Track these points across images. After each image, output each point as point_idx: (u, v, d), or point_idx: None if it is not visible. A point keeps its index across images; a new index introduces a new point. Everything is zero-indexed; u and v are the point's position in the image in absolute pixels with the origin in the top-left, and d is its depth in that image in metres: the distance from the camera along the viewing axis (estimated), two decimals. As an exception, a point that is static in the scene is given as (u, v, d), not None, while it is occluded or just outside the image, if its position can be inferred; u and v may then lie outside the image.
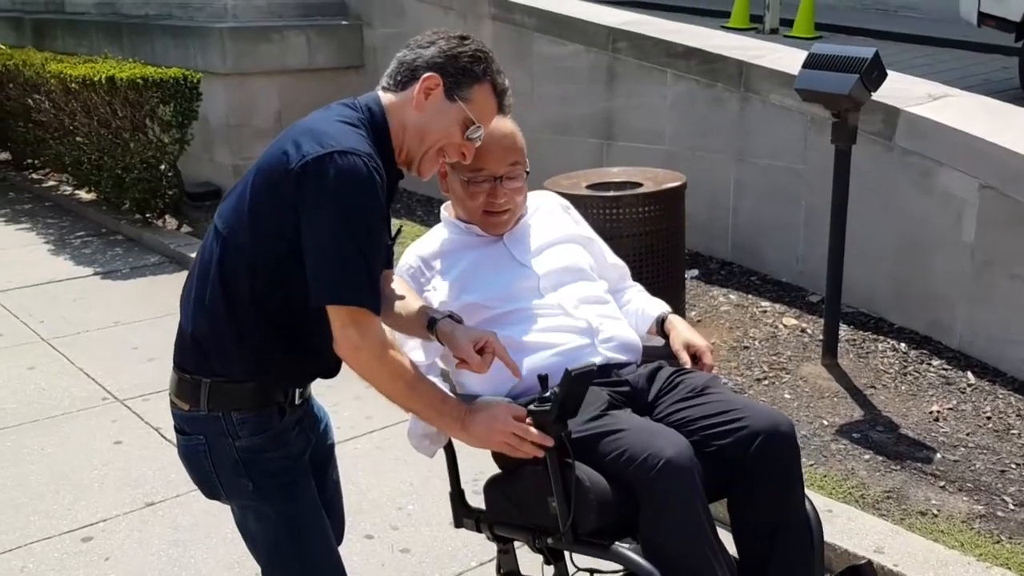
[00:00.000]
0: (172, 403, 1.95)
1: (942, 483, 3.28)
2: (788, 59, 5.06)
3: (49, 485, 3.59)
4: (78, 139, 7.36)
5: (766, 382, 4.03)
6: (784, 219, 4.95)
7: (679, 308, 4.45)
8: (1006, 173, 3.87)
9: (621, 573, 2.03)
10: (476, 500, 2.27)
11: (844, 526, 3.04)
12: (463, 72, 1.88)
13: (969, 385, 3.90)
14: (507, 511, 2.10)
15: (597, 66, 5.83)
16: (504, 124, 2.17)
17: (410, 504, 3.36)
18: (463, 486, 2.30)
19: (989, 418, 3.67)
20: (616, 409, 2.02)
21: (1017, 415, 3.67)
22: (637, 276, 4.13)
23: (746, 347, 4.35)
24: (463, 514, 2.26)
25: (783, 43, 6.75)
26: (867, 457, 3.46)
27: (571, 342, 2.14)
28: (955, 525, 3.05)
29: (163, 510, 3.40)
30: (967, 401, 3.79)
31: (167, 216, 7.13)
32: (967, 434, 3.57)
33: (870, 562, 2.31)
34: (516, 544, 2.27)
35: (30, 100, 7.80)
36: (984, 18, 8.18)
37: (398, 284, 2.09)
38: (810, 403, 3.85)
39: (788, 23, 8.45)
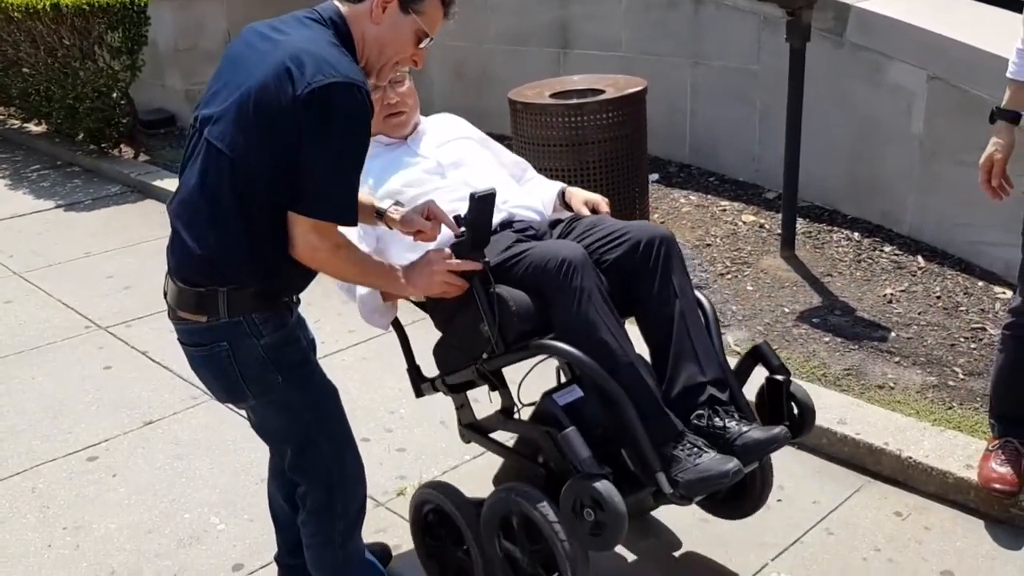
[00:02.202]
0: (181, 319, 2.02)
1: (897, 359, 3.52)
2: (740, -40, 5.12)
3: (47, 411, 3.69)
4: (24, 70, 7.21)
5: (729, 276, 4.23)
6: (739, 120, 5.09)
7: (643, 211, 4.60)
8: (953, 64, 4.03)
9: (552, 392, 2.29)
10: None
11: (808, 403, 3.27)
12: None
13: (919, 268, 4.14)
14: (452, 359, 2.36)
15: (550, -26, 5.84)
16: None
17: (401, 408, 3.53)
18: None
19: (939, 297, 3.91)
20: (523, 243, 2.31)
21: (964, 293, 3.91)
22: (603, 182, 4.31)
23: (708, 244, 4.53)
24: (420, 382, 2.53)
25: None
26: (827, 339, 3.68)
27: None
28: (910, 396, 3.29)
29: (162, 427, 3.52)
30: (918, 283, 4.03)
31: (122, 145, 7.06)
32: (919, 313, 3.81)
33: (766, 341, 2.49)
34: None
35: (-32, 32, 7.58)
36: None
37: None
38: (771, 293, 4.06)
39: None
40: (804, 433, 2.27)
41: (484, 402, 2.50)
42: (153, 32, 6.67)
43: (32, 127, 7.90)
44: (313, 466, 2.14)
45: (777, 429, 2.15)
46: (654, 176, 5.25)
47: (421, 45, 2.03)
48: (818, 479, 3.02)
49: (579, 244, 2.25)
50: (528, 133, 4.40)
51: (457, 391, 2.43)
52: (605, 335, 2.11)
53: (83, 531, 2.96)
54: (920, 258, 4.21)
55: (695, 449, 2.08)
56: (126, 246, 5.30)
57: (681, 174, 5.35)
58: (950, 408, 3.21)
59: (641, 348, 2.28)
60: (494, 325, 2.14)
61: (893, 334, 3.68)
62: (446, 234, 2.22)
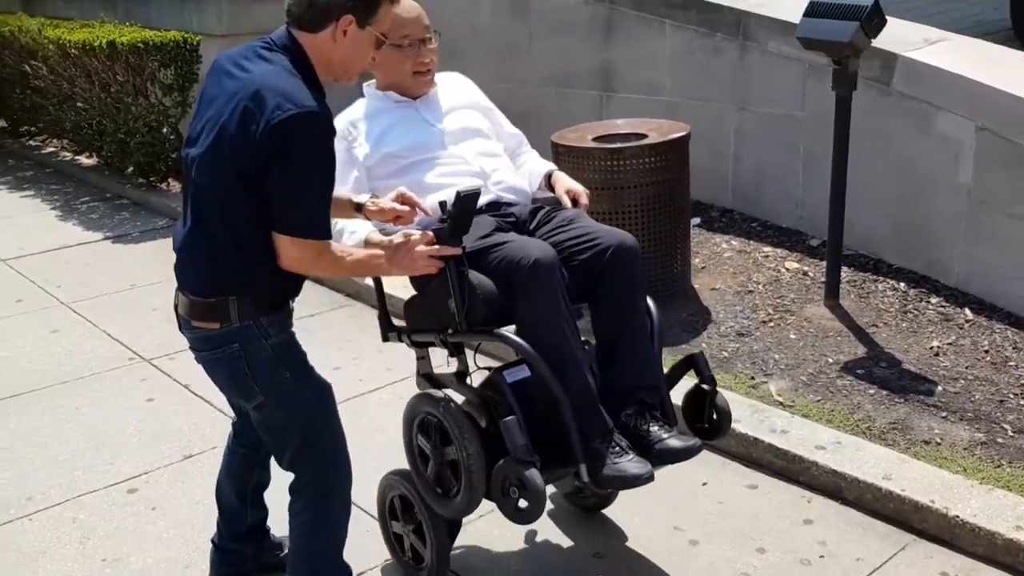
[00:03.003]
0: (195, 328, 2.25)
1: (944, 414, 3.45)
2: (785, 7, 5.13)
3: (89, 442, 3.74)
4: (78, 104, 7.40)
5: (771, 324, 4.19)
6: (783, 166, 5.07)
7: (684, 255, 4.58)
8: (1002, 115, 3.99)
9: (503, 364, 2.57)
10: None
11: (852, 455, 3.21)
12: (368, 4, 2.18)
13: (967, 321, 4.07)
14: (419, 319, 2.62)
15: (595, 18, 5.89)
16: (412, 2, 2.68)
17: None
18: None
19: (987, 351, 3.83)
20: (502, 232, 2.51)
21: (1014, 348, 3.84)
22: (642, 226, 4.31)
23: (750, 291, 4.50)
24: (388, 330, 2.75)
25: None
26: (872, 392, 3.62)
27: (467, 183, 2.57)
28: (958, 452, 3.22)
29: (201, 461, 3.55)
30: (965, 336, 3.96)
31: (170, 179, 7.20)
32: (966, 367, 3.73)
33: (702, 352, 2.65)
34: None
35: (27, 66, 7.80)
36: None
37: None
38: (815, 343, 4.01)
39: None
40: (720, 436, 2.60)
41: (440, 358, 2.71)
42: (203, 70, 6.82)
43: (83, 159, 8.08)
44: (316, 451, 2.36)
45: (692, 441, 2.41)
46: (696, 220, 5.24)
47: (380, 46, 2.27)
48: (862, 535, 2.96)
49: (551, 243, 2.46)
50: (570, 176, 4.40)
51: (419, 347, 2.68)
52: (559, 338, 2.34)
53: (121, 563, 2.98)
54: (968, 310, 4.13)
55: (617, 449, 2.34)
56: (171, 279, 5.34)
57: (723, 219, 5.33)
58: (999, 466, 3.13)
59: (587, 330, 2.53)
60: (462, 308, 2.38)
61: (940, 388, 3.61)
62: (423, 218, 2.48)
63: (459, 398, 2.59)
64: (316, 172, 2.09)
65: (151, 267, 5.65)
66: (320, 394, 2.37)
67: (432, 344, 2.60)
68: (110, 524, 3.19)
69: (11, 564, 3.01)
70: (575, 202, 2.69)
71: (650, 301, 2.56)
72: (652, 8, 5.56)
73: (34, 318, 5.00)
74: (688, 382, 2.62)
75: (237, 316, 2.20)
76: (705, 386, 2.55)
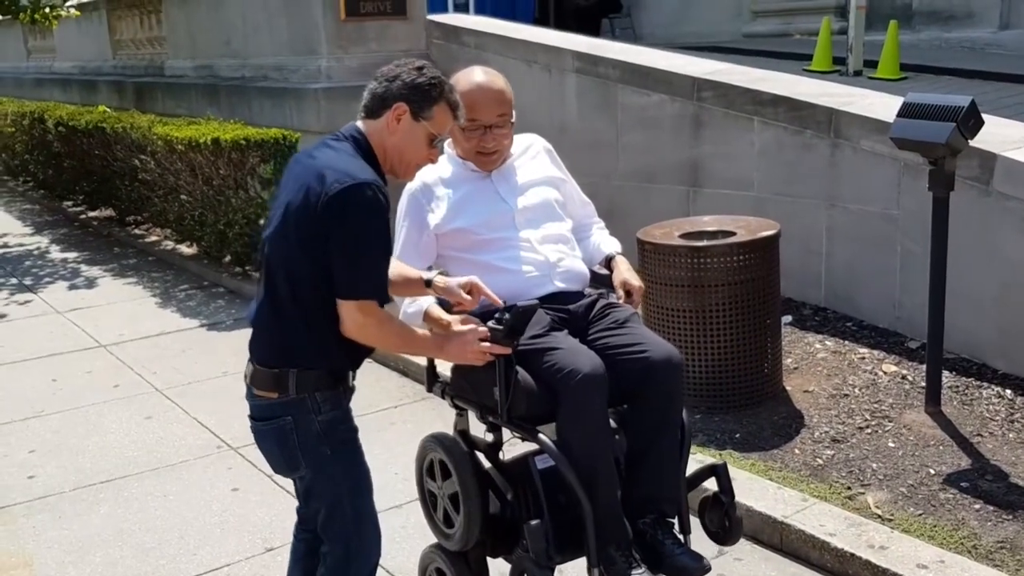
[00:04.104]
0: (257, 396, 2.38)
1: (1059, 533, 3.23)
2: (878, 105, 5.08)
3: (174, 530, 3.78)
4: (182, 196, 7.74)
5: (868, 431, 4.02)
6: (879, 265, 4.94)
7: (775, 354, 4.46)
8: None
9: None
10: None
11: (958, 576, 3.02)
12: (423, 98, 2.34)
13: (1081, 432, 3.83)
14: (465, 389, 2.69)
15: (682, 115, 5.93)
16: (495, 81, 2.72)
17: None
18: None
19: (1104, 466, 3.59)
20: (556, 330, 2.57)
21: None
22: (729, 324, 4.22)
23: (846, 395, 4.34)
24: (433, 381, 2.84)
25: (869, 85, 6.77)
26: (977, 507, 3.42)
27: (532, 271, 2.70)
28: (1075, 577, 2.99)
29: (282, 555, 3.52)
30: (1080, 449, 3.72)
31: (265, 268, 7.41)
32: (1082, 483, 3.50)
33: (724, 464, 2.66)
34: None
35: (136, 160, 8.23)
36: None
37: (392, 263, 2.55)
38: (915, 452, 3.82)
39: (872, 64, 8.38)
40: (730, 543, 2.71)
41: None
42: (301, 164, 7.06)
43: (184, 248, 8.40)
44: (338, 526, 2.47)
45: (703, 561, 2.47)
46: (787, 318, 5.12)
47: (434, 144, 2.39)
48: (972, 666, 2.75)
49: (600, 345, 2.54)
50: (655, 272, 4.37)
51: (457, 408, 2.77)
52: (595, 453, 2.42)
53: (199, 660, 2.97)
54: (1081, 421, 3.90)
55: (632, 560, 2.42)
56: (261, 367, 5.48)
57: (816, 317, 5.20)
58: (1124, 595, 2.89)
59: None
60: (505, 402, 2.47)
61: (1053, 505, 3.38)
62: (484, 302, 2.56)
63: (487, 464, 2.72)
64: (372, 238, 2.24)
65: (242, 355, 5.67)
66: (356, 478, 2.47)
67: (471, 411, 2.71)
68: (190, 617, 3.19)
69: (92, 655, 3.02)
70: (628, 294, 2.74)
71: (684, 415, 2.63)
72: (740, 105, 5.57)
73: (129, 404, 5.14)
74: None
75: (295, 388, 2.33)
76: (723, 497, 2.61)
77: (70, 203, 10.92)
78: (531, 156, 2.90)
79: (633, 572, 2.40)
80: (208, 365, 5.66)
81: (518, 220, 2.75)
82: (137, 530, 3.80)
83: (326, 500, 2.47)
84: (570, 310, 2.68)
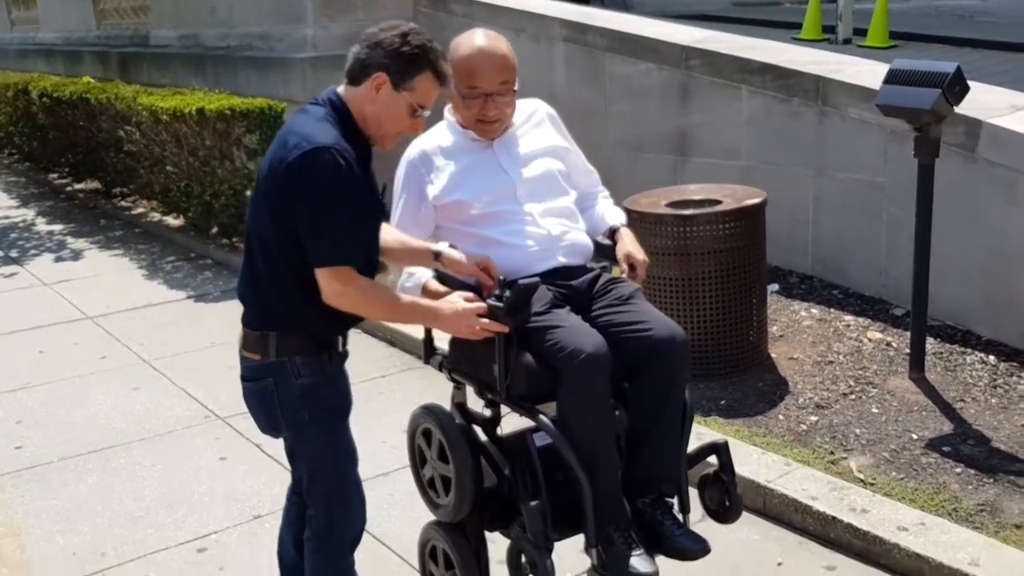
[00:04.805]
0: (244, 357, 2.42)
1: (1038, 496, 3.27)
2: (866, 73, 5.07)
3: (162, 500, 3.79)
4: (168, 168, 7.69)
5: (852, 396, 4.05)
6: (865, 232, 4.95)
7: (761, 322, 4.48)
8: (1096, 183, 3.84)
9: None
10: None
11: (937, 539, 3.05)
12: (405, 68, 2.26)
13: (1062, 397, 3.87)
14: (463, 363, 2.61)
15: (670, 84, 5.90)
16: (498, 45, 2.56)
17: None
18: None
19: (1085, 430, 3.63)
20: (558, 307, 2.47)
21: (1114, 427, 3.63)
22: (715, 293, 4.23)
23: (831, 362, 4.36)
24: (430, 353, 2.76)
25: (858, 54, 6.74)
26: (959, 471, 3.45)
27: (534, 245, 2.59)
28: (1054, 538, 3.04)
29: (270, 522, 3.55)
30: (1061, 413, 3.76)
31: (252, 240, 7.38)
32: (1062, 447, 3.54)
33: (726, 442, 2.61)
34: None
35: (121, 132, 8.16)
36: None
37: (392, 232, 2.55)
38: (898, 417, 3.85)
39: (861, 32, 8.34)
40: (730, 521, 2.62)
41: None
42: (287, 134, 7.02)
43: (170, 220, 8.35)
44: (320, 491, 2.49)
45: (702, 543, 2.42)
46: (774, 286, 5.13)
47: (416, 115, 2.31)
48: (950, 626, 2.79)
49: (603, 323, 2.46)
50: (641, 241, 4.33)
51: (455, 382, 2.70)
52: (595, 433, 2.37)
53: (187, 626, 2.99)
54: (1063, 386, 3.94)
55: (631, 541, 2.37)
56: (249, 338, 5.47)
57: (802, 285, 5.21)
58: (1101, 556, 2.93)
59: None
60: (504, 380, 2.41)
61: (1034, 468, 3.42)
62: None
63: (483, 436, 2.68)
64: (336, 203, 2.18)
65: (230, 326, 5.70)
66: (335, 449, 2.47)
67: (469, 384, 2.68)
68: (178, 584, 3.22)
69: (81, 621, 3.05)
70: (632, 267, 2.65)
71: (687, 394, 2.56)
72: (728, 74, 5.55)
73: (116, 375, 5.14)
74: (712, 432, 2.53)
75: (274, 352, 2.35)
76: (724, 475, 2.58)
77: (55, 175, 10.84)
78: (534, 124, 2.75)
79: (632, 553, 2.34)
80: (195, 336, 5.65)
81: (520, 193, 2.62)
82: (125, 499, 3.81)
83: (307, 464, 2.49)
84: (572, 286, 2.58)
